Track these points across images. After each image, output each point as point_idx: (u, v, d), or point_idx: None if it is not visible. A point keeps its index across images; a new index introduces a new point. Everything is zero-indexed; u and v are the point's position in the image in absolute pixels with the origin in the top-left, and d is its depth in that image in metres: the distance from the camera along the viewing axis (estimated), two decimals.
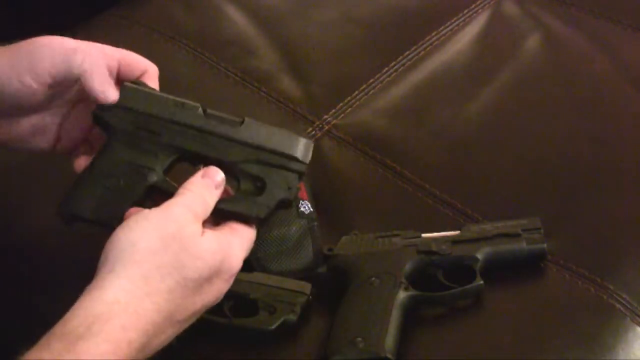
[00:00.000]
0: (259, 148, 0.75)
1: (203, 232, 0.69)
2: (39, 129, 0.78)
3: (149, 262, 0.65)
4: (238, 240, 0.72)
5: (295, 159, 0.76)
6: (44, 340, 0.60)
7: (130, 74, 0.77)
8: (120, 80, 0.77)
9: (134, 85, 0.76)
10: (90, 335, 0.61)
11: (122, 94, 0.75)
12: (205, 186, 0.72)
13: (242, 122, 0.76)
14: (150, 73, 0.78)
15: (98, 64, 0.74)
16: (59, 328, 0.61)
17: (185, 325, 0.69)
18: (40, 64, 0.73)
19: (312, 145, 0.77)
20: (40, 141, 0.78)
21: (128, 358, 0.62)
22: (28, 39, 0.76)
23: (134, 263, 0.65)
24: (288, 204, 0.76)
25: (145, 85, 0.77)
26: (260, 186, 0.75)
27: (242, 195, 0.75)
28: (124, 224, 0.68)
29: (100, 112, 0.75)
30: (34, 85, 0.74)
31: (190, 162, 0.75)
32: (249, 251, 0.73)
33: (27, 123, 0.77)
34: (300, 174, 0.76)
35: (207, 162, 0.74)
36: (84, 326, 0.61)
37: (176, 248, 0.67)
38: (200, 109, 0.76)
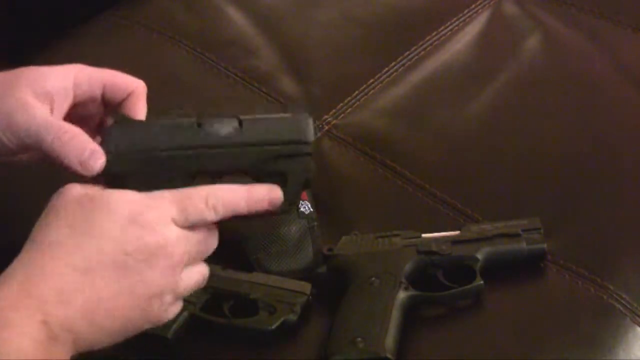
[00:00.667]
0: (266, 144, 0.73)
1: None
2: (24, 160, 0.77)
3: (37, 229, 0.66)
4: (161, 194, 0.69)
5: (304, 142, 0.74)
6: None
7: (116, 95, 0.75)
8: (106, 102, 0.76)
9: (118, 126, 0.72)
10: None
11: (109, 138, 0.71)
12: None
13: (241, 124, 0.73)
14: (137, 92, 0.76)
15: (70, 143, 0.71)
16: None
17: (122, 279, 0.66)
18: (16, 128, 0.71)
19: (310, 118, 0.74)
20: (31, 159, 0.77)
21: (41, 309, 0.62)
22: (9, 71, 0.74)
23: (31, 237, 0.66)
24: (309, 184, 0.74)
25: (127, 119, 0.73)
26: (282, 179, 0.73)
27: None
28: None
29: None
30: (13, 145, 0.72)
31: (209, 176, 0.73)
32: (185, 209, 0.68)
33: (11, 157, 0.76)
34: (310, 153, 0.74)
35: (222, 174, 0.73)
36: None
37: (56, 206, 0.67)
38: (195, 124, 0.72)
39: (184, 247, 0.68)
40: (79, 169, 0.70)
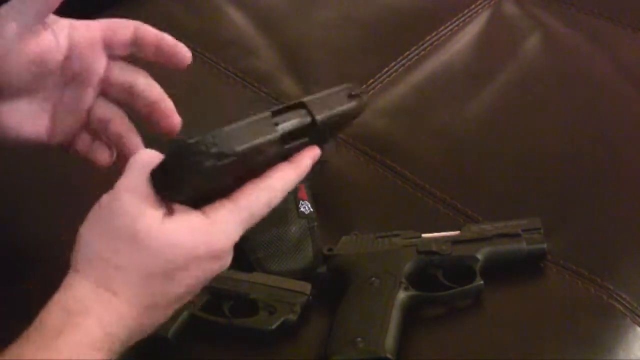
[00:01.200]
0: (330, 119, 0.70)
1: (166, 217, 0.64)
2: (29, 116, 0.74)
3: (107, 262, 0.63)
4: (228, 213, 0.66)
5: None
6: (23, 337, 0.60)
7: (119, 42, 0.75)
8: (111, 51, 0.75)
9: (217, 164, 0.63)
10: (69, 330, 0.61)
11: (200, 176, 0.63)
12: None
13: (311, 115, 0.68)
14: (141, 33, 0.77)
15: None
16: (34, 326, 0.61)
17: (176, 305, 0.67)
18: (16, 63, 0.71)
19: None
20: (31, 131, 0.75)
21: (110, 349, 0.62)
22: None
23: (96, 263, 0.64)
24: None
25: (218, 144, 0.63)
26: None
27: None
28: (86, 219, 0.65)
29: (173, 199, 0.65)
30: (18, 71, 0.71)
31: None
32: (249, 222, 0.67)
33: (14, 110, 0.73)
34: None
35: None
36: (60, 323, 0.61)
37: (131, 245, 0.63)
38: (271, 122, 0.66)
39: (232, 253, 0.68)
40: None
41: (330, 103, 0.70)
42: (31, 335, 0.61)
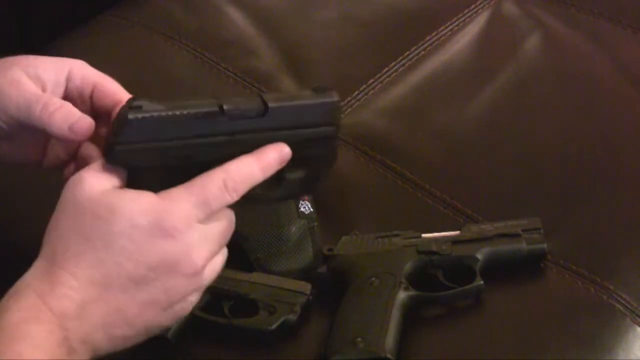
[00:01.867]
0: (294, 128, 0.69)
1: (116, 190, 0.66)
2: (21, 146, 0.76)
3: (53, 236, 0.65)
4: (178, 193, 0.66)
5: (331, 125, 0.71)
6: None
7: (102, 100, 0.74)
8: (94, 107, 0.75)
9: (139, 116, 0.66)
10: (6, 308, 0.62)
11: (124, 128, 0.66)
12: None
13: (267, 108, 0.68)
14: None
15: (58, 110, 0.71)
16: None
17: (136, 293, 0.65)
18: (7, 105, 0.72)
19: (338, 99, 0.71)
20: (23, 158, 0.77)
21: (59, 324, 0.62)
22: (6, 58, 0.75)
23: (45, 243, 0.65)
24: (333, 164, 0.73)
25: (142, 105, 0.67)
26: (306, 162, 0.71)
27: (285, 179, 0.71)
28: None
29: (117, 157, 0.67)
30: (3, 123, 0.72)
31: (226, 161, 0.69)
32: (203, 204, 0.66)
33: (4, 144, 0.76)
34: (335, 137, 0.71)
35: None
36: (3, 303, 0.63)
37: (72, 212, 0.65)
38: (217, 110, 0.67)
39: (206, 247, 0.67)
40: (67, 134, 0.70)
41: (288, 96, 0.72)
42: None
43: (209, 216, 0.67)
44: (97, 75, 0.76)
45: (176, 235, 0.65)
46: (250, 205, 0.71)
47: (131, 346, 0.67)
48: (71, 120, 0.70)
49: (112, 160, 0.67)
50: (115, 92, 0.75)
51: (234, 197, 0.67)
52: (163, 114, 0.67)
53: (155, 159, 0.67)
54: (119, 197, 0.65)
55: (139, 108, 0.66)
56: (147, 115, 0.66)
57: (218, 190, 0.67)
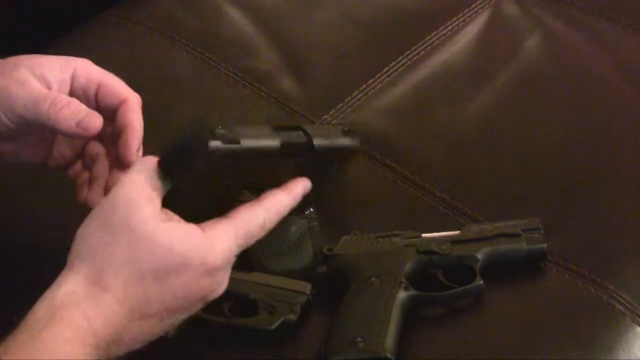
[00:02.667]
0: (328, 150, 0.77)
1: (164, 217, 0.66)
2: (26, 147, 0.77)
3: (99, 256, 0.64)
4: (225, 231, 0.68)
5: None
6: (10, 335, 0.61)
7: (107, 100, 0.75)
8: (99, 106, 0.75)
9: (221, 146, 0.66)
10: (53, 323, 0.61)
11: (208, 158, 0.66)
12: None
13: (312, 148, 0.74)
14: (130, 103, 0.75)
15: (66, 107, 0.71)
16: (23, 322, 0.62)
17: (169, 318, 0.67)
18: (14, 104, 0.72)
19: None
20: (29, 158, 0.78)
21: (97, 346, 0.62)
22: (10, 57, 0.75)
23: (87, 259, 0.64)
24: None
25: (226, 136, 0.67)
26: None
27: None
28: (85, 219, 0.67)
29: (183, 181, 0.67)
30: (11, 123, 0.73)
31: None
32: (244, 242, 0.69)
33: (10, 144, 0.76)
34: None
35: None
36: (47, 316, 0.61)
37: (126, 239, 0.64)
38: (278, 145, 0.71)
39: (229, 271, 0.70)
40: (75, 130, 0.71)
41: (325, 132, 0.75)
42: (18, 332, 0.61)
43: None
44: (101, 74, 0.76)
45: (216, 273, 0.68)
46: None
47: None
48: (79, 116, 0.71)
49: (173, 180, 0.66)
50: (121, 91, 0.75)
51: (265, 233, 0.71)
52: (238, 147, 0.67)
53: (206, 185, 0.69)
54: (174, 234, 0.65)
55: (223, 137, 0.66)
56: (227, 147, 0.66)
57: (259, 230, 0.70)
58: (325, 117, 1.00)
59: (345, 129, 0.77)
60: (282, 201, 0.72)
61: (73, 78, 0.75)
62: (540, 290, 0.83)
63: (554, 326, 0.79)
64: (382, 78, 1.05)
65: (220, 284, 0.69)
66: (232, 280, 0.80)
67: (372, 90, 1.04)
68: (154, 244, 0.64)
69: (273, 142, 0.70)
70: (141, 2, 1.17)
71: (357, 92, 1.03)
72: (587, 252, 0.85)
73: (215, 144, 0.65)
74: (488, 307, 0.81)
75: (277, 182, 0.73)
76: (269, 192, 0.72)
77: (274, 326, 0.78)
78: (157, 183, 0.66)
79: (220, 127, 0.66)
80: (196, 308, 0.69)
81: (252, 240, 0.70)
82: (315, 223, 0.86)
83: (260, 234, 0.70)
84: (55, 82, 0.74)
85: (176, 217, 0.67)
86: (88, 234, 0.65)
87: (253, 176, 0.71)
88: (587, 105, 1.02)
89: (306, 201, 0.76)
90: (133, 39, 1.12)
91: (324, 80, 1.06)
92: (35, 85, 0.73)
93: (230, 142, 0.66)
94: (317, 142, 0.73)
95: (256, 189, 0.71)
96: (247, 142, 0.67)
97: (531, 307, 0.81)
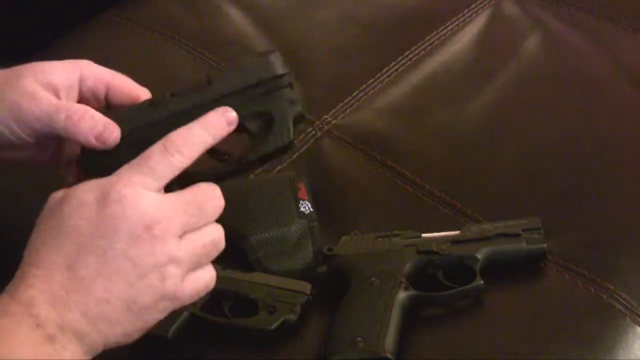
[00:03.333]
0: (242, 91, 0.73)
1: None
2: (38, 152, 0.77)
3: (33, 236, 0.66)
4: (136, 161, 0.67)
5: (279, 76, 0.74)
6: None
7: (119, 98, 0.75)
8: (109, 104, 0.75)
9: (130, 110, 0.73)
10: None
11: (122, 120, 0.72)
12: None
13: (209, 81, 0.73)
14: (142, 98, 0.75)
15: (83, 119, 0.71)
16: None
17: (105, 264, 0.64)
18: (27, 118, 0.72)
19: (277, 53, 0.75)
20: (41, 160, 0.78)
21: (30, 313, 0.61)
22: (14, 67, 0.75)
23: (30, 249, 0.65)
24: (302, 117, 0.75)
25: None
26: (268, 118, 0.73)
27: (256, 137, 0.73)
28: None
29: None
30: (25, 135, 0.73)
31: None
32: (143, 164, 0.67)
33: (24, 152, 0.76)
34: (290, 84, 0.74)
35: None
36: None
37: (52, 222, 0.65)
38: (168, 94, 0.73)
39: (176, 218, 0.66)
40: (94, 142, 0.71)
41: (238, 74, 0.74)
42: None
43: (163, 184, 0.67)
44: (108, 73, 0.76)
45: (122, 200, 0.64)
46: (231, 170, 0.74)
47: (131, 346, 0.67)
48: (98, 129, 0.71)
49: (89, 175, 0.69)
50: (131, 89, 0.76)
51: (180, 158, 0.68)
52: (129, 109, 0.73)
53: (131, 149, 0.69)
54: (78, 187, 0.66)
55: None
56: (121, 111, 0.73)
57: (159, 155, 0.67)
58: (326, 117, 1.00)
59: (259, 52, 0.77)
60: (186, 127, 0.69)
61: (80, 81, 0.75)
62: (540, 290, 0.83)
63: (554, 326, 0.79)
64: (382, 78, 1.05)
65: (143, 212, 0.65)
66: (232, 280, 0.81)
67: (372, 90, 1.04)
68: (51, 203, 0.66)
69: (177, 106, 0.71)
70: (141, 2, 1.17)
71: (357, 92, 1.03)
72: (587, 252, 0.85)
73: None
74: (488, 307, 0.81)
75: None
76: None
77: (274, 326, 0.78)
78: None
79: None
80: (134, 247, 0.64)
81: (160, 167, 0.67)
82: (315, 223, 0.86)
83: (166, 158, 0.67)
84: (63, 88, 0.73)
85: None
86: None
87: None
88: (587, 105, 1.02)
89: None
90: (133, 39, 1.12)
91: (324, 80, 1.06)
92: (45, 96, 0.72)
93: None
94: (215, 81, 0.73)
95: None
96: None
97: (531, 307, 0.81)
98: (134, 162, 0.67)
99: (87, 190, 0.65)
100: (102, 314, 0.64)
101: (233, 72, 0.74)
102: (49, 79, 0.73)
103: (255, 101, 0.73)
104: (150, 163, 0.67)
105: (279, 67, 0.74)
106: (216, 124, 0.71)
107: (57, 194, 0.67)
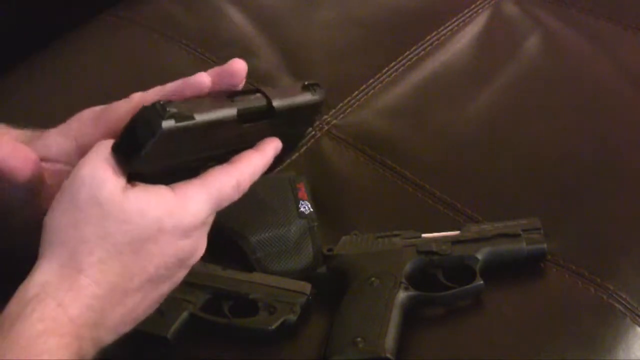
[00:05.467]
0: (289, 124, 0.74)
1: (131, 187, 0.63)
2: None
3: (70, 237, 0.61)
4: (196, 190, 0.65)
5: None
6: None
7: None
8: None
9: (173, 126, 0.63)
10: (24, 317, 0.58)
11: (161, 138, 0.63)
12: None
13: (273, 113, 0.71)
14: (135, 102, 0.70)
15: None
16: None
17: (153, 290, 0.65)
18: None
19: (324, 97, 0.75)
20: None
21: (77, 334, 0.60)
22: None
23: (59, 244, 0.62)
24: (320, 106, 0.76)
25: (180, 113, 0.64)
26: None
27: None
28: (50, 206, 0.63)
29: (137, 164, 0.64)
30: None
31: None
32: (218, 203, 0.67)
33: None
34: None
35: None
36: (17, 311, 0.59)
37: (95, 215, 0.61)
38: (235, 115, 0.68)
39: (206, 233, 0.67)
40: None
41: (284, 92, 0.73)
42: None
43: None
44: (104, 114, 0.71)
45: (191, 234, 0.65)
46: None
47: (131, 346, 0.67)
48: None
49: (128, 165, 0.64)
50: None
51: (240, 195, 0.68)
52: (191, 123, 0.65)
53: (169, 161, 0.66)
54: (143, 198, 0.63)
55: (175, 115, 0.63)
56: (181, 125, 0.64)
57: (231, 191, 0.67)
58: (326, 117, 1.00)
59: (306, 83, 0.74)
60: (254, 161, 0.69)
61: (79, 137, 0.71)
62: (540, 290, 0.83)
63: (554, 326, 0.79)
64: (382, 78, 1.05)
65: (198, 246, 0.66)
66: (232, 280, 0.81)
67: (372, 90, 1.04)
68: (124, 213, 0.62)
69: (229, 111, 0.68)
70: (141, 2, 1.17)
71: (357, 92, 1.03)
72: (587, 252, 0.85)
73: (168, 123, 0.63)
74: (488, 307, 0.81)
75: (246, 147, 0.71)
76: (241, 153, 0.69)
77: (274, 326, 0.78)
78: (117, 164, 0.64)
79: (171, 104, 0.64)
80: (179, 277, 0.66)
81: (226, 202, 0.67)
82: (315, 223, 0.86)
83: (234, 195, 0.67)
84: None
85: (143, 185, 0.64)
86: (56, 218, 0.63)
87: (216, 147, 0.69)
88: (587, 105, 1.02)
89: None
90: (133, 39, 1.12)
91: (324, 80, 1.04)
92: None
93: (184, 119, 0.64)
94: (276, 103, 0.70)
95: (224, 159, 0.69)
96: (201, 116, 0.65)
97: (531, 307, 0.81)
98: (208, 188, 0.66)
99: (166, 215, 0.63)
100: (127, 328, 0.65)
101: (291, 103, 0.73)
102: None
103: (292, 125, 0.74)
104: (222, 198, 0.67)
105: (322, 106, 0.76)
106: (271, 157, 0.71)
107: (117, 192, 0.63)
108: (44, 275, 0.61)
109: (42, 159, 0.70)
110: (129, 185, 0.64)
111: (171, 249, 0.64)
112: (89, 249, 0.61)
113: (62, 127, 0.71)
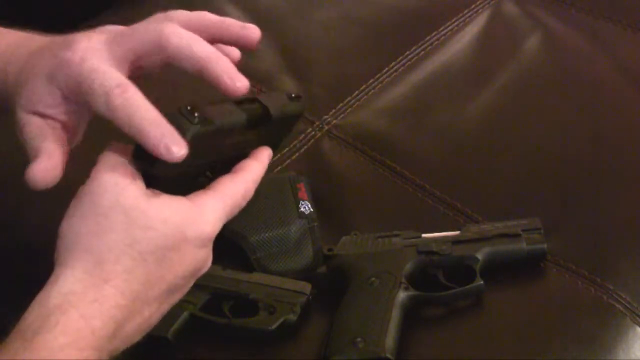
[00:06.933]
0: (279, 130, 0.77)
1: (153, 194, 0.63)
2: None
3: (95, 245, 0.60)
4: (213, 202, 0.66)
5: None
6: (3, 342, 0.58)
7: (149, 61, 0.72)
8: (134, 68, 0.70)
9: (201, 130, 0.64)
10: (47, 329, 0.57)
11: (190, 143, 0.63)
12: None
13: (270, 118, 0.72)
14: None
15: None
16: (16, 327, 0.58)
17: (168, 299, 0.65)
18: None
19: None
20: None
21: (97, 347, 0.59)
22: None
23: (81, 251, 0.60)
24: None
25: (205, 117, 0.64)
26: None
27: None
28: (66, 212, 0.62)
29: (160, 170, 0.64)
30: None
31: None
32: (230, 212, 0.67)
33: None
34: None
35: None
36: (39, 321, 0.58)
37: (120, 221, 0.61)
38: (245, 120, 0.70)
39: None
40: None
41: (275, 101, 0.74)
42: (10, 339, 0.58)
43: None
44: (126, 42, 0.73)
45: (208, 244, 0.66)
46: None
47: (131, 346, 0.67)
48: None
49: (152, 169, 0.64)
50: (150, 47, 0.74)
51: (246, 203, 0.70)
52: (214, 128, 0.65)
53: (183, 167, 0.65)
54: (166, 207, 0.63)
55: (202, 120, 0.64)
56: (205, 130, 0.64)
57: (242, 200, 0.69)
58: (326, 117, 1.00)
59: (293, 95, 0.76)
60: (256, 169, 0.71)
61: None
62: (540, 290, 0.83)
63: (554, 326, 0.79)
64: (382, 78, 1.05)
65: (209, 256, 0.67)
66: (232, 280, 0.81)
67: (372, 90, 1.04)
68: (149, 221, 0.61)
69: (240, 117, 0.69)
70: (141, 2, 1.17)
71: (357, 92, 1.03)
72: (587, 252, 0.85)
73: (196, 128, 0.63)
74: (488, 307, 0.81)
75: (239, 154, 0.72)
76: (242, 162, 0.71)
77: (274, 326, 0.78)
78: (134, 169, 0.64)
79: (189, 108, 0.63)
80: (188, 286, 0.67)
81: (237, 211, 0.68)
82: (315, 223, 0.86)
83: (243, 203, 0.69)
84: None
85: (161, 192, 0.64)
86: (75, 225, 0.61)
87: (222, 153, 0.70)
88: (587, 105, 1.02)
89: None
90: None
91: (324, 80, 1.06)
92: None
93: (208, 124, 0.64)
94: (272, 112, 0.72)
95: (221, 168, 0.70)
96: (221, 122, 0.66)
97: (531, 307, 0.81)
98: (223, 199, 0.67)
99: (189, 224, 0.64)
100: (138, 337, 0.65)
101: (283, 112, 0.74)
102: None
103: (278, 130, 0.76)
104: (235, 207, 0.68)
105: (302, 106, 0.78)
106: (267, 165, 0.73)
107: (136, 200, 0.62)
108: (68, 284, 0.60)
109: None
110: (149, 192, 0.63)
111: (191, 258, 0.65)
112: (115, 257, 0.61)
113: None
